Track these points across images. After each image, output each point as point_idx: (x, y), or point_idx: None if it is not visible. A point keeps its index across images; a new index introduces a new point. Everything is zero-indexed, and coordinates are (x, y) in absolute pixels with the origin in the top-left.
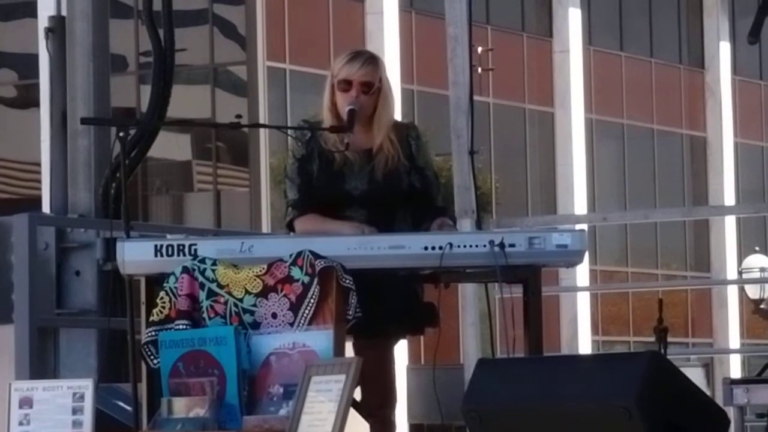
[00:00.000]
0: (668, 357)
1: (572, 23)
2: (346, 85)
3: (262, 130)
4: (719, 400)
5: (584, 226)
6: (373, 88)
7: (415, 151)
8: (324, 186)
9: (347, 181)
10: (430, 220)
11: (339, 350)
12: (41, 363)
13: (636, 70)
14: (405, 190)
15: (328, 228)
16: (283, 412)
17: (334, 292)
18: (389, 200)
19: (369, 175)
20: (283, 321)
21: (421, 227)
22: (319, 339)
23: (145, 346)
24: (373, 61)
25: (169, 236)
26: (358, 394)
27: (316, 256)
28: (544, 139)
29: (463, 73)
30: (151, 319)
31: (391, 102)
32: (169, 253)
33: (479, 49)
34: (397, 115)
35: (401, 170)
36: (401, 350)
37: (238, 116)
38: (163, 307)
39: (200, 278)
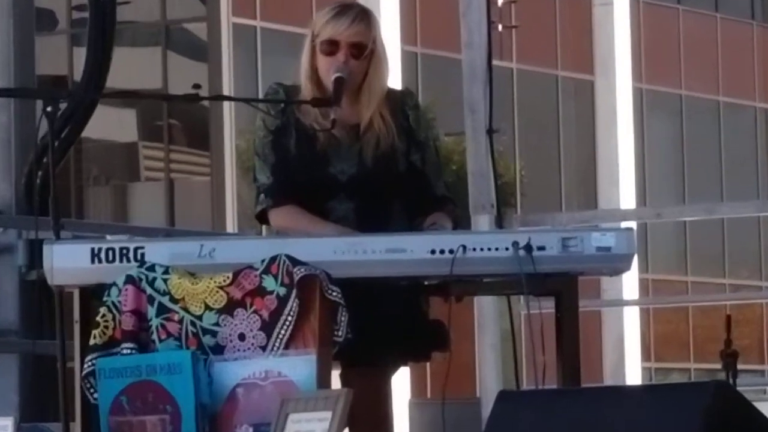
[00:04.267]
0: (738, 388)
1: None
2: (331, 46)
3: (226, 104)
4: None
5: (632, 224)
6: (365, 50)
7: (413, 123)
8: (303, 170)
9: (332, 164)
10: (425, 214)
11: (323, 380)
12: None
13: (697, 27)
14: (401, 176)
15: (312, 229)
16: None
17: (317, 307)
18: (382, 188)
19: (358, 157)
20: (253, 344)
21: (415, 223)
22: (298, 366)
23: (86, 379)
24: (365, 18)
25: (109, 237)
26: None
27: (295, 262)
28: (582, 115)
29: (480, 32)
30: (92, 342)
31: (384, 68)
32: (110, 258)
33: (500, 1)
34: (395, 84)
35: (397, 151)
36: (402, 380)
37: (197, 86)
38: (107, 327)
39: (149, 290)
